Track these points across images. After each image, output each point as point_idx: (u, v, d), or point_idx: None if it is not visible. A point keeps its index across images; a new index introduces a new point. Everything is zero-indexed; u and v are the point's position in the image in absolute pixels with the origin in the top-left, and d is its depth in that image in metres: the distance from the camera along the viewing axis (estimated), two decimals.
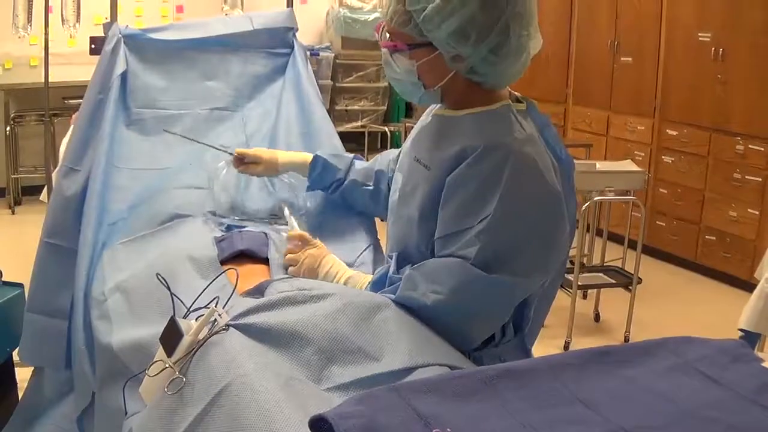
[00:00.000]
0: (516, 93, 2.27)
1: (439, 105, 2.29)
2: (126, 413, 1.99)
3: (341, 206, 2.81)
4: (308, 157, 2.79)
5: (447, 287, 2.03)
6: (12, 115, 8.34)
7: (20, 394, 3.31)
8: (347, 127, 9.43)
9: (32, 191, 7.74)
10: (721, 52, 6.68)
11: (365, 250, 2.44)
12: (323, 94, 9.15)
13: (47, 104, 6.08)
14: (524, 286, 2.10)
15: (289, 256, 2.47)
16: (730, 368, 1.52)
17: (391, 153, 2.75)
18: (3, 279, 3.49)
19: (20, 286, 3.35)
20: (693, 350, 1.58)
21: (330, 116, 9.29)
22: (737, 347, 1.61)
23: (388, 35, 2.16)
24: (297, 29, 3.32)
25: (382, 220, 2.76)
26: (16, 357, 3.21)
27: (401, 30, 2.11)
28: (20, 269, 2.87)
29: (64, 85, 7.02)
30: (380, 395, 1.30)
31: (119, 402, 2.03)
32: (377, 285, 2.24)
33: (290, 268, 2.44)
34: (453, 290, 2.03)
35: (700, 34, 6.85)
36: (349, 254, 2.58)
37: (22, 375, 3.32)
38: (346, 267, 2.41)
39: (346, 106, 9.52)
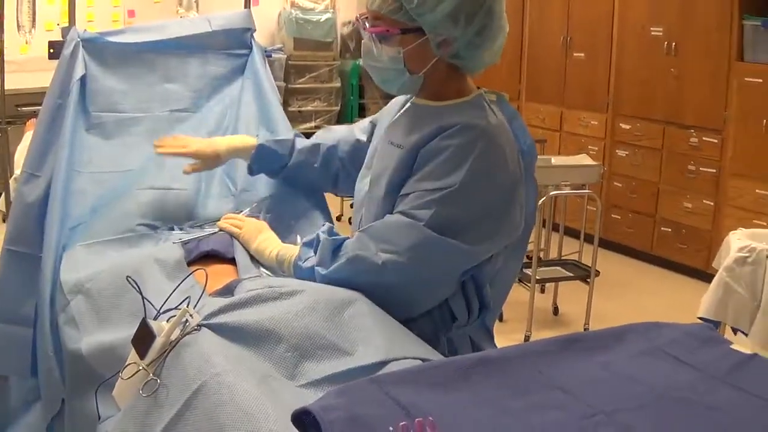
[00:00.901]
0: (482, 87, 2.36)
1: (413, 97, 2.37)
2: (99, 418, 1.98)
3: (293, 190, 2.84)
4: (248, 140, 2.82)
5: (401, 247, 2.09)
6: None
7: None
8: (301, 128, 9.40)
9: None
10: (673, 47, 6.75)
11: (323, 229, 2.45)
12: None
13: (3, 112, 6.02)
14: (471, 255, 2.16)
15: (231, 216, 2.60)
16: (699, 351, 1.54)
17: (337, 130, 2.82)
18: None
19: None
20: (662, 335, 1.61)
21: None
22: (705, 330, 1.64)
23: (367, 24, 2.23)
24: (255, 30, 3.32)
25: (337, 195, 2.87)
26: None
27: (391, 17, 2.16)
28: None
29: (18, 92, 6.96)
30: (360, 387, 1.31)
31: (91, 407, 2.02)
32: (308, 245, 2.27)
33: (228, 225, 2.54)
34: (407, 249, 2.08)
35: (652, 29, 6.93)
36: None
37: None
38: (279, 243, 2.43)
39: (299, 107, 9.52)
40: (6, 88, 6.44)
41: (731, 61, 6.38)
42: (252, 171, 2.82)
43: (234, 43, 3.29)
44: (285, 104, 9.44)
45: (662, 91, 6.95)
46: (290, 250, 2.34)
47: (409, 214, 2.11)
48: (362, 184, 2.43)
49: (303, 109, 9.49)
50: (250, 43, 3.30)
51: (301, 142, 2.82)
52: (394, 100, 2.55)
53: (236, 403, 1.55)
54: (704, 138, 6.63)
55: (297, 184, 2.84)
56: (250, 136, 2.87)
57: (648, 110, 7.12)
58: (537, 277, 5.65)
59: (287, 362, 1.77)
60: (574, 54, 7.81)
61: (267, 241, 2.43)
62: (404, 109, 2.38)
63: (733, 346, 1.56)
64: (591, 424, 1.27)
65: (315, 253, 2.23)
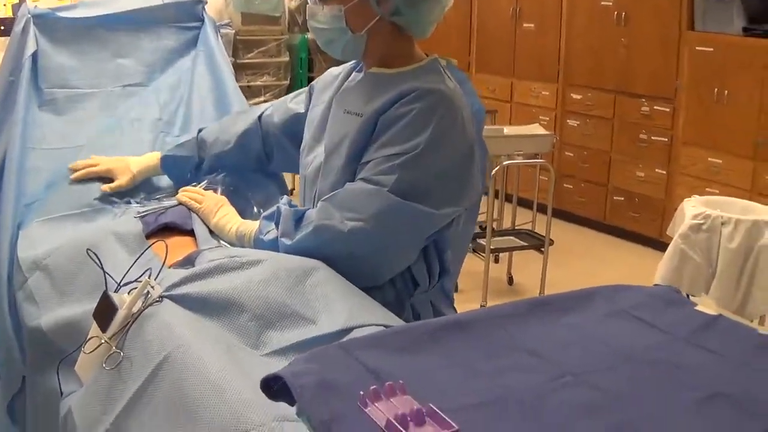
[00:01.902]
0: (433, 53, 2.38)
1: (361, 67, 2.39)
2: (62, 394, 1.96)
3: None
4: (155, 156, 2.80)
5: (366, 214, 2.10)
6: None
7: None
8: (249, 102, 9.32)
9: None
10: (623, 16, 6.78)
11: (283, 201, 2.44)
12: None
13: None
14: (436, 218, 2.17)
15: (189, 190, 2.59)
16: (665, 313, 1.54)
17: (252, 111, 2.81)
18: None
19: None
20: (627, 297, 1.61)
21: None
22: (669, 293, 1.64)
23: None
24: (206, 2, 3.30)
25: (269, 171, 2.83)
26: None
27: None
28: None
29: None
30: (329, 353, 1.30)
31: (53, 383, 2.00)
32: (268, 218, 2.27)
33: (187, 199, 2.54)
34: (372, 216, 2.09)
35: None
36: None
37: None
38: (239, 219, 2.43)
39: (248, 82, 9.43)
40: None
41: (682, 31, 6.43)
42: (174, 182, 2.81)
43: (185, 16, 3.27)
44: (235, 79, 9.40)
45: (613, 61, 6.99)
46: (250, 226, 2.33)
47: (373, 181, 2.12)
48: (311, 156, 2.43)
49: (252, 84, 9.40)
50: (202, 15, 3.28)
51: (210, 134, 2.80)
52: (329, 70, 2.57)
53: (202, 374, 1.55)
54: (656, 107, 6.68)
55: (229, 171, 2.80)
56: (156, 153, 2.84)
57: (599, 80, 7.16)
58: (491, 247, 5.68)
59: (250, 332, 1.77)
60: (524, 24, 7.82)
61: (227, 216, 2.42)
62: (358, 79, 2.38)
63: (697, 308, 1.57)
64: (560, 385, 1.26)
65: (276, 225, 2.22)
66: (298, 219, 2.19)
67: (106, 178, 2.75)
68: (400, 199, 2.09)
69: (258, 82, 9.48)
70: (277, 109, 2.72)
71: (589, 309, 1.56)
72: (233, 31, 9.27)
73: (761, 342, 1.43)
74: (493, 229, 6.21)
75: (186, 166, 2.78)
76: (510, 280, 6.21)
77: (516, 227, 6.33)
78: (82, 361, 1.84)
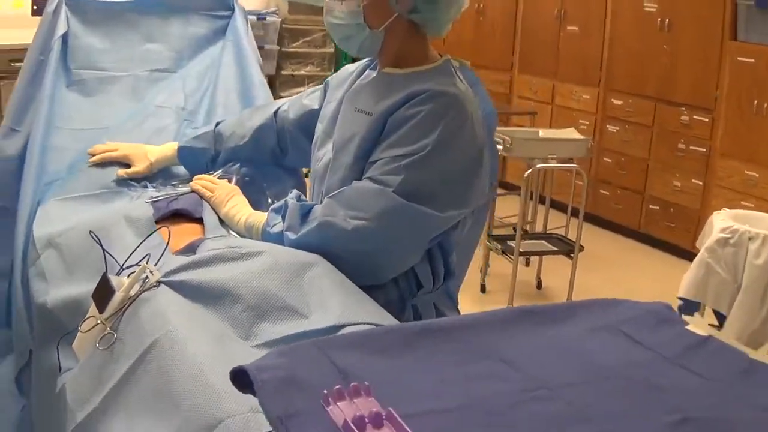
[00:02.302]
0: (446, 54, 2.39)
1: (375, 65, 2.40)
2: (60, 369, 2.00)
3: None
4: (173, 148, 2.83)
5: (370, 213, 2.11)
6: None
7: None
8: (292, 92, 9.34)
9: None
10: (667, 23, 6.74)
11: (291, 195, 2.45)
12: (269, 59, 9.19)
13: None
14: (440, 220, 2.18)
15: (203, 178, 2.60)
16: (655, 330, 1.53)
17: (268, 107, 2.83)
18: None
19: None
20: (619, 312, 1.60)
21: (275, 81, 9.18)
22: (663, 310, 1.63)
23: None
24: None
25: (284, 166, 2.84)
26: None
27: None
28: None
29: (11, 48, 6.93)
30: (302, 349, 1.32)
31: (55, 359, 2.04)
32: (276, 211, 2.28)
33: (200, 187, 2.55)
34: (376, 216, 2.11)
35: (646, 4, 6.91)
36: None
37: None
38: (249, 210, 2.44)
39: (292, 71, 9.45)
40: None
41: (724, 40, 6.37)
42: (190, 172, 2.83)
43: (216, 4, 3.30)
44: (278, 68, 9.39)
45: (655, 68, 6.94)
46: (259, 217, 2.35)
47: (378, 180, 2.14)
48: (322, 152, 2.45)
49: (296, 73, 9.43)
50: (233, 5, 3.31)
51: (227, 128, 2.82)
52: (345, 66, 2.58)
53: (187, 360, 1.57)
54: (695, 116, 6.63)
55: (244, 163, 2.81)
56: (173, 143, 2.86)
57: (640, 86, 7.11)
58: (521, 250, 5.67)
59: (243, 322, 1.78)
60: (568, 27, 7.79)
61: (237, 207, 2.44)
62: (370, 77, 2.39)
63: (688, 327, 1.56)
64: (530, 397, 1.26)
65: (283, 219, 2.24)
66: (305, 214, 2.21)
67: (123, 163, 2.79)
68: (404, 200, 2.10)
69: (302, 72, 9.50)
70: (293, 104, 2.73)
71: (577, 321, 1.56)
72: (279, 20, 9.29)
73: (748, 366, 1.42)
74: (526, 231, 6.20)
75: (202, 158, 2.80)
76: (539, 284, 6.20)
77: (548, 231, 6.30)
78: (79, 339, 1.87)
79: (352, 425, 1.09)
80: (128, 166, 2.77)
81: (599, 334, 1.52)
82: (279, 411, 1.13)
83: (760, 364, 1.42)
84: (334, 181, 2.31)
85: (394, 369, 1.31)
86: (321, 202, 2.24)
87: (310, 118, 2.63)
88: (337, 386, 1.16)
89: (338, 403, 1.15)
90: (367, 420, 1.11)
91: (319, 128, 2.51)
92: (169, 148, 2.83)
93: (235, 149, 2.76)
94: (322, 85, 2.67)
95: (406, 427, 1.11)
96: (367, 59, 2.48)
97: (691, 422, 1.22)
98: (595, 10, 7.46)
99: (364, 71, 2.46)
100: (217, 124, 2.84)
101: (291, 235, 2.18)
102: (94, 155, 2.79)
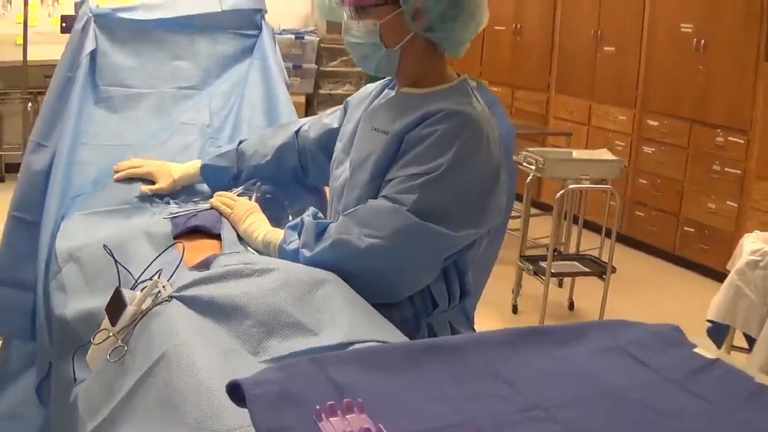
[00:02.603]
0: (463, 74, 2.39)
1: (393, 85, 2.43)
2: (75, 381, 2.02)
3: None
4: (196, 166, 2.85)
5: (384, 231, 2.11)
6: None
7: None
8: (331, 112, 9.36)
9: (16, 168, 7.68)
10: (702, 44, 6.71)
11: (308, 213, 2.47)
12: (307, 78, 9.24)
13: (26, 82, 6.09)
14: (454, 240, 2.18)
15: (223, 194, 2.62)
16: (662, 352, 1.52)
17: (289, 126, 2.86)
18: None
19: None
20: (627, 333, 1.59)
21: (313, 100, 9.25)
22: (671, 332, 1.61)
23: None
24: (266, 11, 3.35)
25: (306, 185, 2.85)
26: None
27: None
28: None
29: (49, 63, 7.03)
30: (300, 364, 1.32)
31: (71, 371, 2.07)
32: (293, 228, 2.30)
33: (219, 204, 2.56)
34: (390, 234, 2.11)
35: (682, 25, 6.89)
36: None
37: None
38: (267, 227, 2.45)
39: (330, 90, 9.51)
40: (36, 58, 6.50)
41: (759, 62, 6.35)
42: (212, 189, 2.84)
43: (244, 23, 3.33)
44: (316, 87, 9.45)
45: (690, 89, 6.92)
46: (277, 234, 2.37)
47: (393, 199, 2.14)
48: (340, 170, 2.46)
49: (334, 92, 9.49)
50: (261, 24, 3.33)
51: (249, 146, 2.84)
52: (365, 86, 2.60)
53: (193, 374, 1.59)
54: (730, 138, 6.59)
55: (265, 182, 2.83)
56: (197, 161, 2.89)
57: (676, 107, 7.09)
58: (553, 271, 5.65)
59: (252, 338, 1.80)
60: (605, 48, 7.79)
61: (255, 224, 2.45)
62: (388, 97, 2.41)
63: (696, 350, 1.55)
64: (525, 417, 1.26)
65: (299, 236, 2.26)
66: (320, 231, 2.22)
67: (148, 180, 2.82)
68: (419, 220, 2.10)
69: (339, 91, 9.56)
70: (314, 124, 2.76)
71: (584, 343, 1.55)
72: (317, 39, 9.35)
73: (754, 390, 1.40)
74: (559, 252, 6.19)
75: (224, 176, 2.82)
76: (571, 306, 6.18)
77: (582, 252, 6.28)
78: (92, 351, 1.90)
79: None
80: (152, 182, 2.80)
81: (606, 356, 1.51)
82: (269, 425, 1.14)
83: (766, 388, 1.42)
84: (351, 200, 2.32)
85: (393, 386, 1.31)
86: (337, 220, 2.26)
87: (329, 138, 2.65)
88: (330, 402, 1.17)
89: (330, 419, 1.16)
90: None
91: (338, 147, 2.52)
92: (193, 165, 2.86)
93: (257, 168, 2.78)
94: (342, 105, 2.68)
95: None
96: (386, 79, 2.49)
97: None
98: (631, 31, 7.45)
99: (383, 90, 2.48)
100: (240, 142, 2.86)
101: (306, 253, 2.19)
102: (119, 171, 2.82)
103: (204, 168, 2.83)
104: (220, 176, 2.82)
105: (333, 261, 2.13)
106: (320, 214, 2.31)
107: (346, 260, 2.14)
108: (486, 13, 2.28)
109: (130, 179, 2.81)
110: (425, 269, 2.23)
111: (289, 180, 2.81)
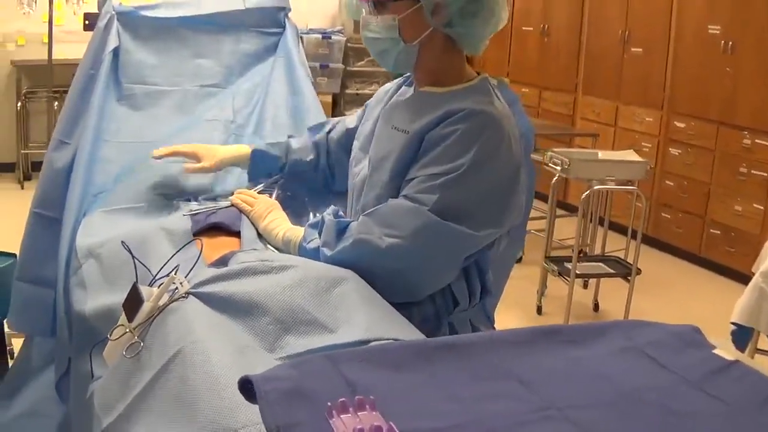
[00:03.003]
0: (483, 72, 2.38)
1: (411, 81, 2.42)
2: (93, 376, 2.03)
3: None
4: (246, 150, 2.84)
5: (405, 231, 2.11)
6: (24, 91, 8.40)
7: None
8: (357, 110, 9.37)
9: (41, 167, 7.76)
10: (730, 45, 6.67)
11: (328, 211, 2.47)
12: (334, 77, 9.25)
13: (51, 80, 6.11)
14: (475, 240, 2.17)
15: (244, 192, 2.62)
16: (680, 354, 1.51)
17: (325, 124, 2.86)
18: None
19: (13, 256, 3.40)
20: (645, 334, 1.58)
21: (340, 100, 9.25)
22: (690, 333, 1.60)
23: None
24: (289, 9, 3.34)
25: (333, 191, 2.83)
26: (8, 327, 3.25)
27: None
28: None
29: (75, 62, 7.06)
30: (313, 361, 1.33)
31: (89, 367, 2.07)
32: (313, 226, 2.30)
33: (240, 201, 2.57)
34: (410, 234, 2.10)
35: (710, 27, 6.84)
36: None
37: (19, 345, 3.37)
38: (287, 225, 2.46)
39: (357, 89, 9.51)
40: (64, 57, 6.51)
41: None
42: (250, 176, 2.84)
43: (268, 21, 3.32)
44: (342, 87, 9.45)
45: (717, 90, 6.86)
46: (296, 232, 2.37)
47: (414, 199, 2.14)
48: (358, 168, 2.45)
49: (361, 92, 9.48)
50: (284, 22, 3.33)
51: (296, 142, 2.84)
52: (382, 86, 2.60)
53: (208, 370, 1.59)
54: (757, 140, 6.54)
55: (299, 183, 2.85)
56: (244, 145, 2.89)
57: (703, 109, 7.04)
58: (577, 272, 5.63)
59: (269, 335, 1.80)
60: (632, 49, 7.74)
61: (275, 221, 2.46)
62: (407, 95, 2.40)
63: (715, 351, 1.54)
64: (538, 417, 1.25)
65: (320, 235, 2.26)
66: (341, 230, 2.22)
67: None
68: (439, 219, 2.09)
69: (366, 91, 9.55)
70: (337, 126, 2.77)
71: (600, 343, 1.54)
72: (344, 39, 9.35)
73: None
74: (585, 253, 6.16)
75: (273, 165, 2.82)
76: (596, 307, 6.14)
77: (607, 254, 6.26)
78: (109, 347, 1.90)
79: None
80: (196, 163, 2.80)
81: (622, 356, 1.50)
82: (278, 421, 1.14)
83: None
84: (371, 198, 2.31)
85: (405, 384, 1.31)
86: (357, 219, 2.25)
87: (349, 138, 2.66)
88: (342, 399, 1.17)
89: (341, 416, 1.15)
90: None
91: (356, 146, 2.53)
92: (241, 149, 2.85)
93: (299, 163, 2.79)
94: (363, 107, 2.68)
95: None
96: (403, 76, 2.49)
97: None
98: (658, 32, 7.40)
99: (400, 88, 2.47)
100: (290, 137, 2.88)
101: (326, 252, 2.19)
102: (157, 157, 2.81)
103: (255, 153, 2.81)
104: (268, 164, 2.82)
105: (353, 260, 2.13)
106: (341, 213, 2.30)
107: (366, 260, 2.13)
108: (505, 11, 2.27)
109: (151, 175, 2.82)
110: (446, 269, 2.22)
111: (320, 183, 2.83)
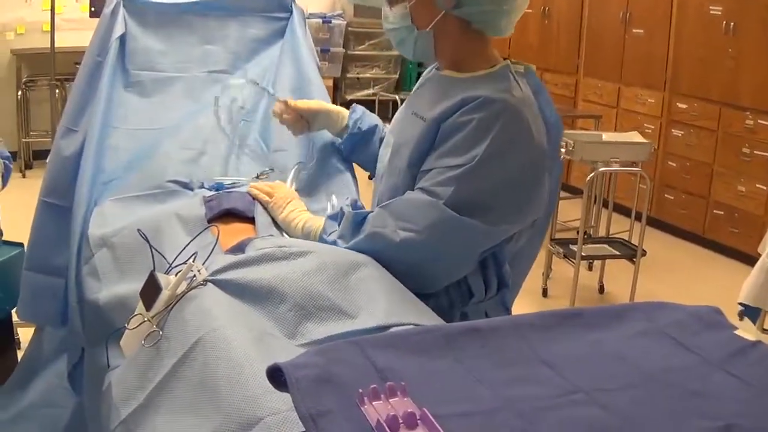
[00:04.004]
0: (510, 58, 2.33)
1: (436, 65, 2.38)
2: (108, 366, 2.02)
3: (325, 154, 2.84)
4: (337, 108, 2.79)
5: (420, 225, 2.09)
6: (24, 80, 8.39)
7: (21, 355, 3.35)
8: (358, 95, 9.41)
9: (43, 155, 7.73)
10: (732, 26, 6.65)
11: (347, 202, 2.45)
12: (335, 62, 9.24)
13: (53, 69, 6.11)
14: (492, 235, 2.15)
15: (264, 185, 2.58)
16: (701, 334, 1.50)
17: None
18: (4, 239, 3.54)
19: (20, 245, 3.39)
20: (665, 315, 1.57)
21: (341, 84, 9.26)
22: (711, 313, 1.60)
23: None
24: None
25: (364, 169, 2.82)
26: (16, 317, 3.24)
27: None
28: (28, 231, 2.93)
29: (76, 50, 7.04)
30: (340, 347, 1.32)
31: (104, 357, 2.06)
32: (333, 218, 2.29)
33: (258, 192, 2.54)
34: (425, 228, 2.09)
35: (711, 8, 6.82)
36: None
37: (26, 335, 3.37)
38: (307, 215, 2.44)
39: (357, 74, 9.51)
40: (66, 45, 6.49)
41: None
42: (349, 132, 2.76)
43: (274, 6, 3.31)
44: (343, 71, 9.45)
45: (719, 71, 6.85)
46: (317, 222, 2.36)
47: (430, 192, 2.11)
48: (385, 151, 2.43)
49: (361, 76, 9.49)
50: (290, 6, 3.31)
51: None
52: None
53: (230, 358, 1.58)
54: (760, 121, 6.53)
55: (353, 153, 2.81)
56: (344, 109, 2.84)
57: (705, 90, 7.03)
58: (583, 254, 5.62)
59: (289, 321, 1.79)
60: (633, 30, 7.72)
61: (295, 212, 2.44)
62: (427, 79, 2.38)
63: (737, 332, 1.53)
64: (567, 401, 1.25)
65: (339, 225, 2.25)
66: (357, 223, 2.21)
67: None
68: (455, 214, 2.07)
69: (367, 75, 9.56)
70: None
71: (621, 325, 1.53)
72: (345, 23, 9.33)
73: None
74: (589, 235, 6.16)
75: (369, 121, 2.76)
76: (601, 289, 6.16)
77: (612, 235, 6.26)
78: (126, 336, 1.89)
79: (384, 425, 1.09)
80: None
81: (644, 338, 1.50)
82: (311, 409, 1.13)
83: None
84: (389, 185, 2.31)
85: (433, 369, 1.30)
86: (376, 203, 2.24)
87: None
88: (373, 385, 1.16)
89: (373, 403, 1.15)
90: (400, 420, 1.11)
91: (388, 128, 2.52)
92: (343, 109, 2.80)
93: (369, 132, 2.74)
94: None
95: (439, 428, 1.10)
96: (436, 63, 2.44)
97: (732, 429, 1.20)
98: (660, 13, 7.38)
99: (431, 72, 2.44)
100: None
101: (342, 244, 2.19)
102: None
103: (356, 106, 2.78)
104: (365, 118, 2.76)
105: (368, 253, 2.11)
106: (360, 203, 2.29)
107: (381, 253, 2.11)
108: None
109: (162, 162, 2.81)
110: (461, 262, 2.21)
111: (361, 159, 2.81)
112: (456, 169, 2.09)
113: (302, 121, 2.76)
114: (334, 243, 2.22)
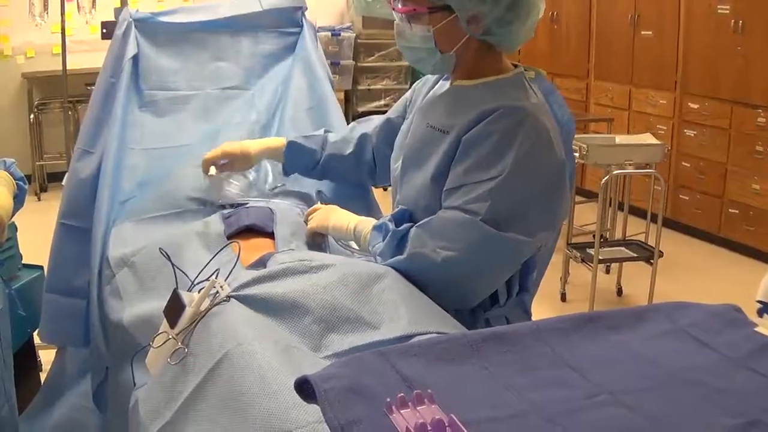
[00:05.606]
0: (520, 64, 2.33)
1: (448, 76, 2.36)
2: (134, 385, 2.03)
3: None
4: (280, 141, 2.80)
5: (460, 244, 2.07)
6: (36, 103, 8.43)
7: (44, 377, 3.36)
8: (369, 106, 9.40)
9: (57, 178, 7.72)
10: (740, 24, 6.63)
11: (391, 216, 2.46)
12: (345, 74, 9.25)
13: (65, 91, 6.13)
14: (530, 246, 2.14)
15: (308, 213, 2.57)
16: (722, 332, 1.50)
17: (373, 119, 2.81)
18: (24, 261, 3.55)
19: (40, 268, 3.41)
20: (687, 315, 1.57)
21: (352, 96, 9.28)
22: (730, 311, 1.60)
23: (399, 5, 2.19)
24: (306, 8, 3.35)
25: (376, 186, 2.85)
26: (38, 340, 3.26)
27: None
28: (46, 254, 2.94)
29: (87, 71, 7.07)
30: (366, 358, 1.32)
31: (129, 375, 2.07)
32: (378, 229, 2.28)
33: (309, 223, 2.52)
34: (466, 248, 2.07)
35: (719, 7, 6.80)
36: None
37: (47, 357, 3.38)
38: (352, 216, 2.44)
39: (368, 85, 9.52)
40: (76, 67, 6.51)
41: None
42: (286, 171, 2.82)
43: (285, 21, 3.32)
44: (354, 83, 9.45)
45: (730, 70, 6.83)
46: (366, 225, 2.36)
47: (466, 210, 2.09)
48: (397, 164, 2.41)
49: (372, 87, 9.49)
50: (301, 21, 3.33)
51: (334, 136, 2.81)
52: (427, 76, 2.53)
53: (256, 373, 1.59)
54: None
55: (334, 179, 2.85)
56: (279, 138, 2.86)
57: (716, 89, 7.01)
58: (600, 257, 5.61)
59: (313, 334, 1.80)
60: (642, 32, 7.71)
61: (342, 216, 2.44)
62: (442, 91, 2.36)
63: (757, 329, 1.53)
64: (593, 403, 1.26)
65: (383, 239, 2.24)
66: (399, 240, 2.20)
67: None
68: (495, 231, 2.06)
69: (378, 86, 9.56)
70: (382, 118, 2.73)
71: (642, 327, 1.53)
72: (354, 35, 9.35)
73: None
74: (605, 239, 6.15)
75: (308, 160, 2.78)
76: (619, 292, 6.13)
77: (628, 238, 6.24)
78: (151, 354, 1.90)
79: None
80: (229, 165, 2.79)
81: (666, 338, 1.50)
82: (340, 419, 1.14)
83: None
84: (409, 198, 2.30)
85: (459, 376, 1.31)
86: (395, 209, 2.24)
87: (389, 131, 2.63)
88: (400, 394, 1.17)
89: (401, 411, 1.15)
90: (429, 427, 1.11)
91: (396, 141, 2.49)
92: (274, 141, 2.83)
93: (336, 158, 2.76)
94: (406, 95, 2.65)
95: None
96: None
97: (757, 426, 1.20)
98: (668, 14, 7.37)
99: (438, 81, 2.43)
100: (326, 131, 2.85)
101: (381, 261, 2.19)
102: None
103: (290, 145, 2.77)
104: (302, 158, 2.78)
105: (409, 273, 2.11)
106: (404, 211, 2.29)
107: (422, 273, 2.11)
108: (542, 6, 2.22)
109: (179, 181, 2.82)
110: (502, 277, 2.21)
111: (363, 179, 2.83)
112: (488, 183, 2.07)
113: (238, 162, 2.79)
114: (375, 257, 2.23)
